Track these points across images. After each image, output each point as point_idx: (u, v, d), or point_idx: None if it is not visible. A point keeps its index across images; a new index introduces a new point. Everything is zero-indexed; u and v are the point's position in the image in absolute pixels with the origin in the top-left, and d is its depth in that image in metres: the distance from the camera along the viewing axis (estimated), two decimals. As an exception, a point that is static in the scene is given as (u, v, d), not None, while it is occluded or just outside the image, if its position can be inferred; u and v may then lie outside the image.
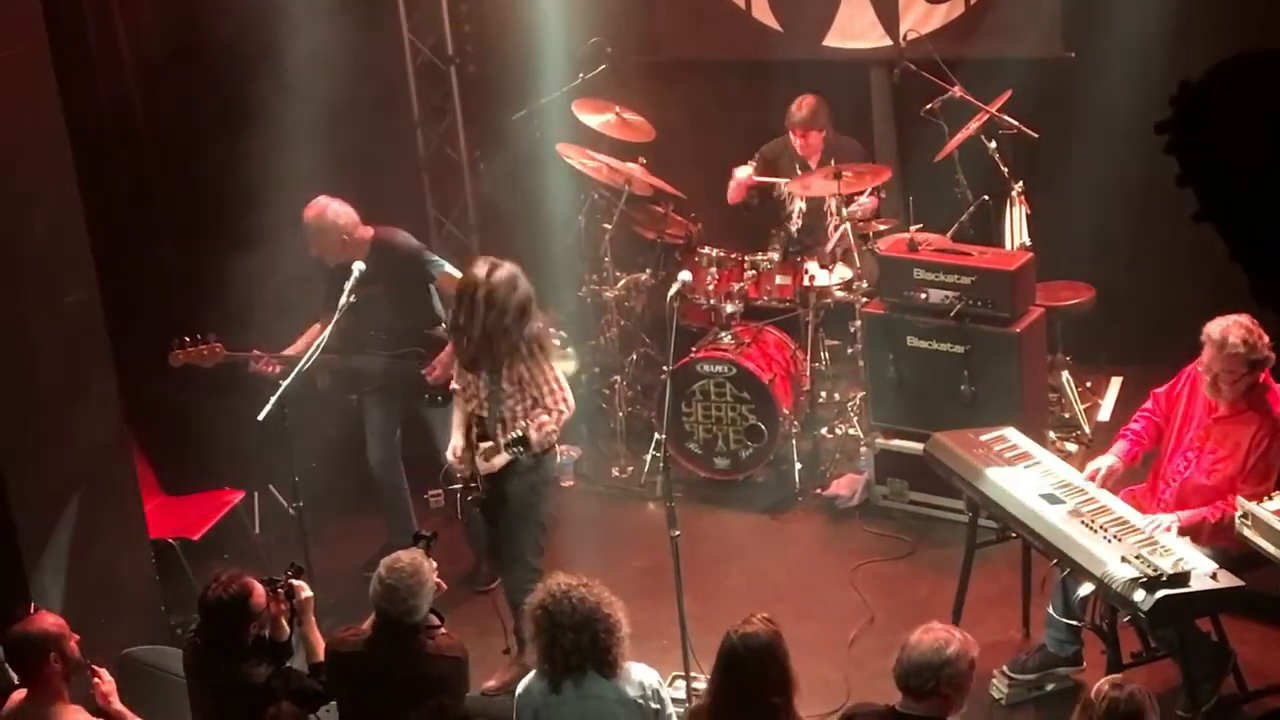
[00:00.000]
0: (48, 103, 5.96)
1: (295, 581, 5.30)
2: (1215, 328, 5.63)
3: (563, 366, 6.07)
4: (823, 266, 7.79)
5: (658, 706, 4.86)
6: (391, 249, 6.93)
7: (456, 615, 6.46)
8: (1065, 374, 7.94)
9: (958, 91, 7.72)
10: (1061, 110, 8.14)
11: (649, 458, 7.90)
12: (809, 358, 7.85)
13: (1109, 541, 5.37)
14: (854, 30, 8.46)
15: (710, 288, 7.81)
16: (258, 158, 7.13)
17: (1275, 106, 1.73)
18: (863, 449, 7.68)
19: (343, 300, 6.45)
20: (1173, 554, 5.24)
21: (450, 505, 6.41)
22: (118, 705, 5.31)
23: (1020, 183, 7.71)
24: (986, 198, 7.75)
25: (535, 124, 8.57)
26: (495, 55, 8.78)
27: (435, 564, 5.16)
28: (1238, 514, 5.41)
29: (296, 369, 6.30)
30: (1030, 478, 5.84)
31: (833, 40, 8.53)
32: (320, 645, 5.26)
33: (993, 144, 7.69)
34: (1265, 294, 1.76)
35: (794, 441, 7.78)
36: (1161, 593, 5.05)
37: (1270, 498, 5.46)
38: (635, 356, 8.33)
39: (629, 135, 8.20)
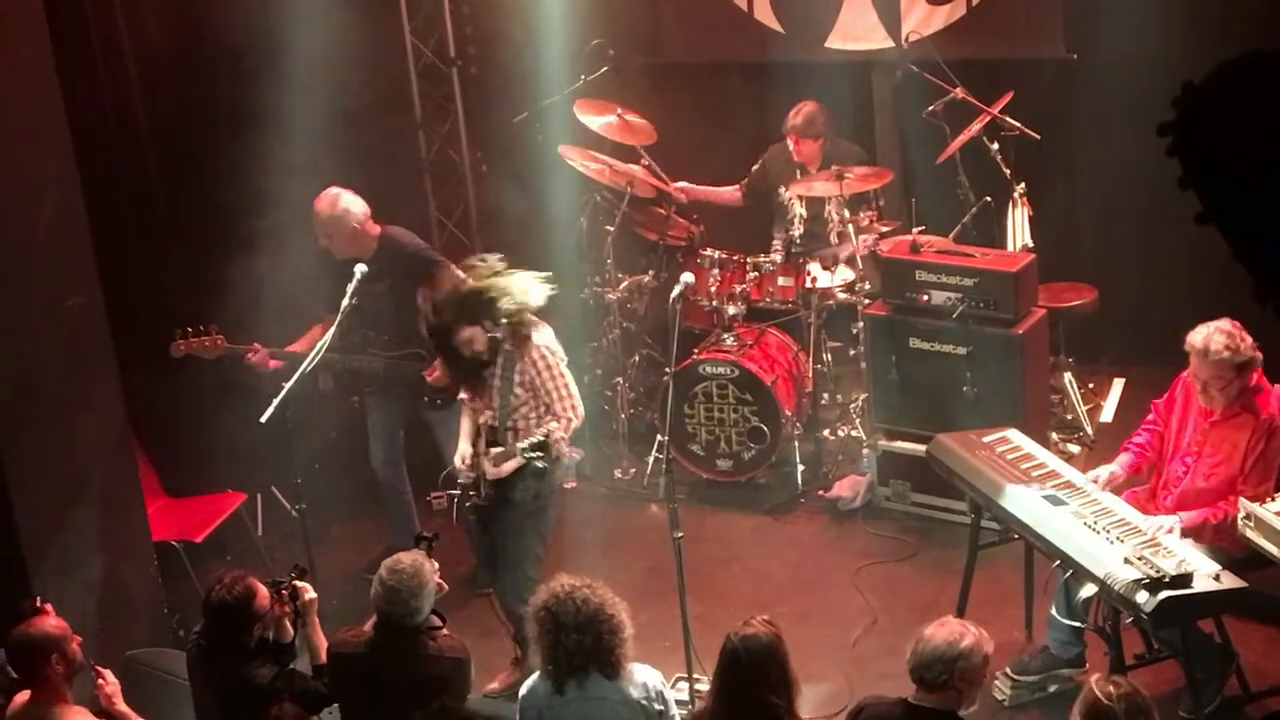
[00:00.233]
0: (51, 105, 5.97)
1: (299, 583, 5.30)
2: (1197, 336, 5.63)
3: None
4: (824, 268, 7.80)
5: (661, 708, 4.86)
6: (398, 247, 6.94)
7: (458, 617, 6.46)
8: (1068, 375, 7.94)
9: (960, 93, 7.72)
10: (1063, 112, 8.15)
11: (652, 459, 7.90)
12: (811, 359, 7.85)
13: (1111, 543, 5.37)
14: (856, 32, 8.47)
15: (712, 289, 7.82)
16: (260, 160, 7.14)
17: (1277, 108, 1.73)
18: (865, 451, 7.68)
19: (345, 302, 6.46)
20: (1175, 555, 5.24)
21: (453, 508, 6.43)
22: (122, 707, 5.32)
23: (1022, 184, 7.71)
24: (989, 199, 7.75)
25: (537, 126, 8.58)
26: (497, 57, 8.78)
27: (437, 565, 5.16)
28: (1240, 515, 5.41)
29: (299, 371, 6.30)
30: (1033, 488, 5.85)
31: (834, 42, 8.53)
32: (324, 647, 5.26)
33: (995, 145, 7.70)
34: (1267, 294, 1.76)
35: (796, 443, 7.78)
36: (1164, 594, 5.05)
37: (1272, 499, 5.46)
38: (638, 358, 8.33)
39: (631, 137, 8.20)
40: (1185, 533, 5.55)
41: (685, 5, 8.92)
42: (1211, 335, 5.58)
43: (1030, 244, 7.59)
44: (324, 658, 5.23)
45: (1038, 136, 7.71)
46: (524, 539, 6.15)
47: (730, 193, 8.35)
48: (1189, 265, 7.31)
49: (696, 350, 7.83)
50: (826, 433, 7.99)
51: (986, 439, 6.23)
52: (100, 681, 5.33)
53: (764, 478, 7.87)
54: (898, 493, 7.49)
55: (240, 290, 7.09)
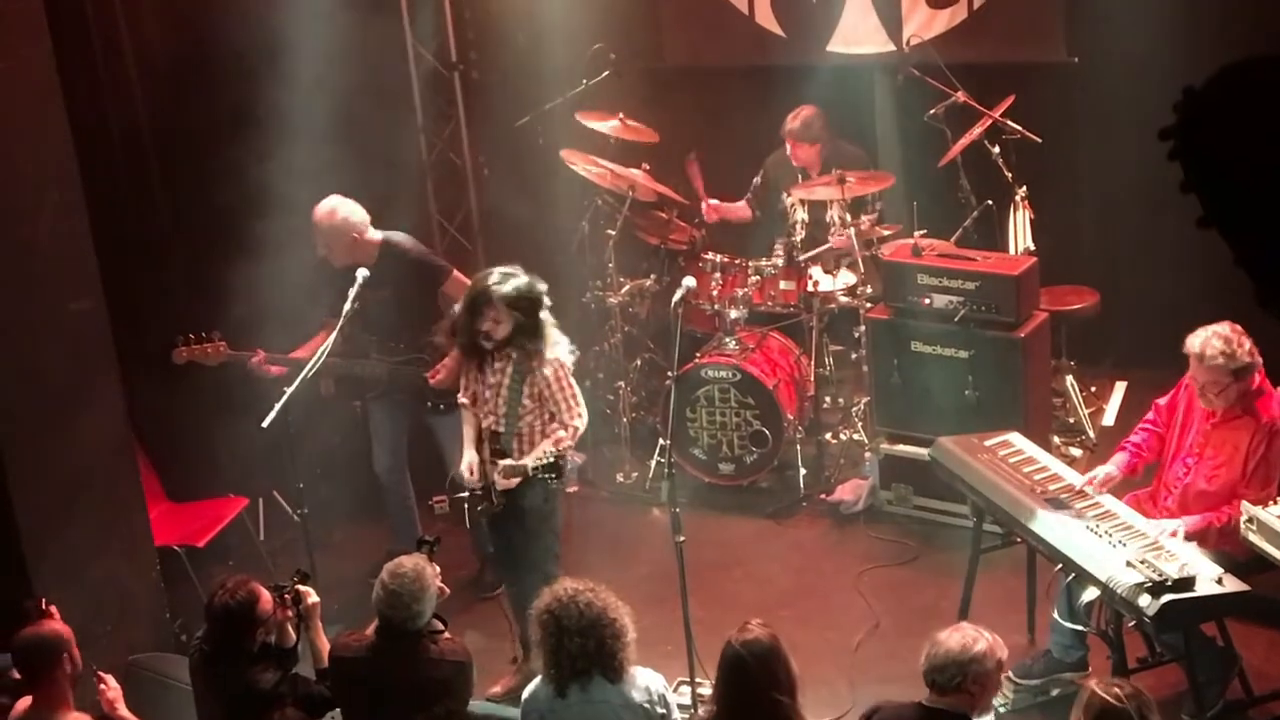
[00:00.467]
0: (52, 110, 5.97)
1: (301, 587, 5.30)
2: (1195, 341, 5.64)
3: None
4: (826, 272, 7.80)
5: (664, 711, 4.86)
6: (401, 253, 6.93)
7: (460, 621, 6.47)
8: (1069, 378, 7.94)
9: (961, 97, 7.72)
10: (1065, 115, 8.15)
11: (653, 463, 7.90)
12: (813, 363, 7.85)
13: (1114, 546, 5.38)
14: (857, 36, 8.47)
15: (714, 293, 7.82)
16: (262, 164, 7.14)
17: (1278, 112, 1.73)
18: (867, 454, 7.68)
19: (347, 306, 6.46)
20: (1178, 559, 5.24)
21: (456, 513, 6.42)
22: (123, 712, 5.32)
23: (1024, 187, 7.71)
24: (990, 203, 7.75)
25: (539, 130, 8.58)
26: (499, 61, 8.79)
27: (438, 569, 5.17)
28: (1243, 519, 5.41)
29: (301, 375, 6.30)
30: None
31: (836, 46, 8.54)
32: (326, 651, 5.26)
33: (996, 149, 7.70)
34: (1269, 299, 1.76)
35: (798, 447, 7.78)
36: (1167, 597, 5.05)
37: (1275, 502, 5.46)
38: (639, 362, 8.33)
39: (634, 138, 8.20)
40: (1189, 538, 5.55)
41: (686, 9, 8.92)
42: (1208, 340, 5.58)
43: (1032, 247, 7.59)
44: (326, 662, 5.23)
45: (1039, 140, 7.71)
46: (542, 540, 6.18)
47: (742, 208, 8.36)
48: (1190, 268, 7.27)
49: (698, 354, 7.83)
50: (828, 436, 7.98)
51: (988, 442, 6.23)
52: (102, 687, 5.33)
53: (766, 481, 7.87)
54: (900, 496, 7.49)
55: (242, 294, 7.08)
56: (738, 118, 8.82)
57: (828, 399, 8.18)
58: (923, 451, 6.75)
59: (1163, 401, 6.04)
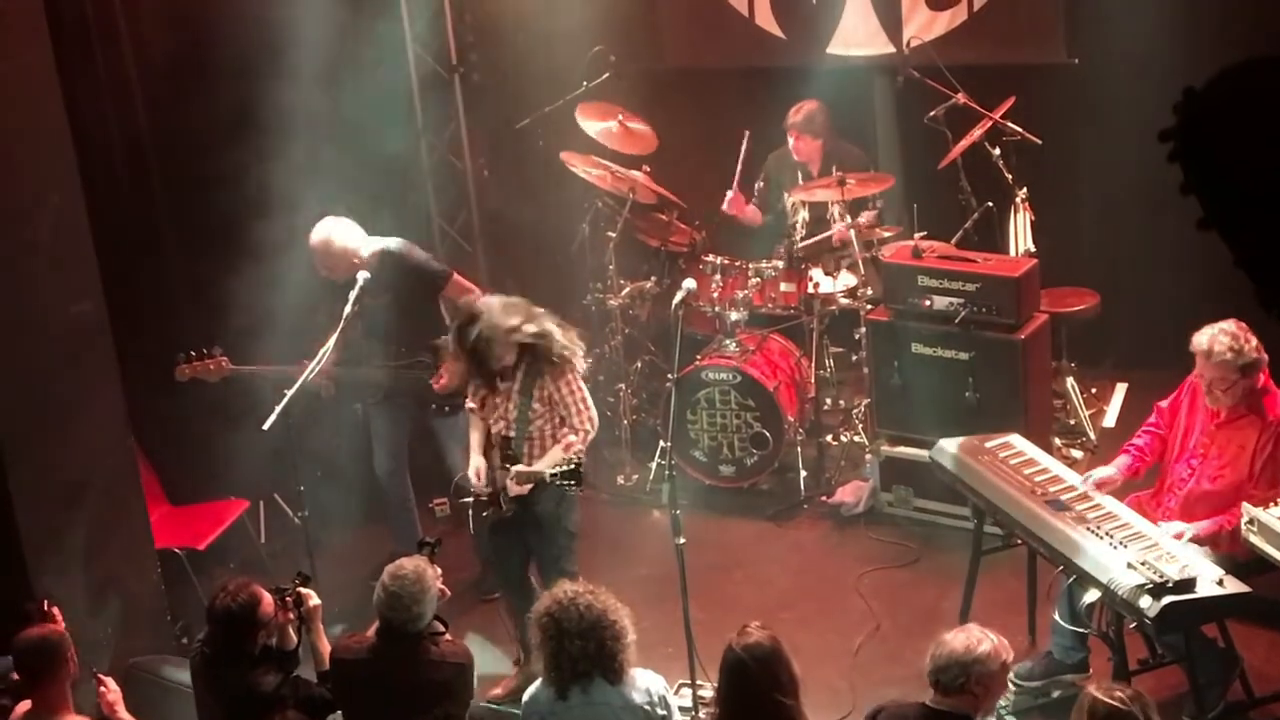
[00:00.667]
0: (52, 112, 5.97)
1: (303, 590, 5.31)
2: (1202, 337, 5.64)
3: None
4: (827, 273, 7.80)
5: (664, 713, 4.87)
6: (399, 260, 6.93)
7: (462, 623, 6.48)
8: (1070, 380, 7.94)
9: (961, 98, 7.72)
10: (1065, 117, 8.15)
11: (654, 465, 7.90)
12: (814, 365, 7.85)
13: (1115, 548, 5.37)
14: (857, 38, 8.47)
15: (715, 295, 7.81)
16: (262, 166, 7.14)
17: (1278, 113, 1.73)
18: (868, 456, 7.68)
19: (347, 309, 6.46)
20: (1178, 560, 5.23)
21: (458, 515, 6.42)
22: (123, 714, 5.32)
23: (1024, 189, 7.71)
24: (990, 204, 7.76)
25: (539, 132, 8.59)
26: (499, 63, 8.79)
27: (439, 571, 5.17)
28: (1243, 520, 5.41)
29: (301, 379, 6.31)
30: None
31: (836, 48, 8.54)
32: (328, 653, 5.26)
33: (996, 151, 7.70)
34: (1270, 301, 1.76)
35: (799, 449, 7.78)
36: (1168, 599, 5.05)
37: (1277, 503, 5.46)
38: (640, 364, 8.33)
39: (632, 143, 8.21)
40: (1200, 543, 5.54)
41: (686, 11, 8.92)
42: (1216, 336, 5.59)
43: (1032, 249, 7.59)
44: (327, 664, 5.23)
45: (1039, 141, 7.72)
46: (558, 540, 6.18)
47: (755, 213, 8.35)
48: (1191, 269, 7.29)
49: (699, 356, 7.83)
50: (829, 438, 7.98)
51: (989, 444, 6.23)
52: (102, 689, 5.33)
53: (766, 483, 7.87)
54: (900, 498, 7.49)
55: (243, 295, 7.08)
56: (738, 119, 8.80)
57: (828, 401, 8.18)
58: (923, 453, 6.75)
59: (1164, 404, 6.04)
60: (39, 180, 5.94)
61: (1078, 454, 7.64)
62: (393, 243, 6.99)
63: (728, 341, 7.80)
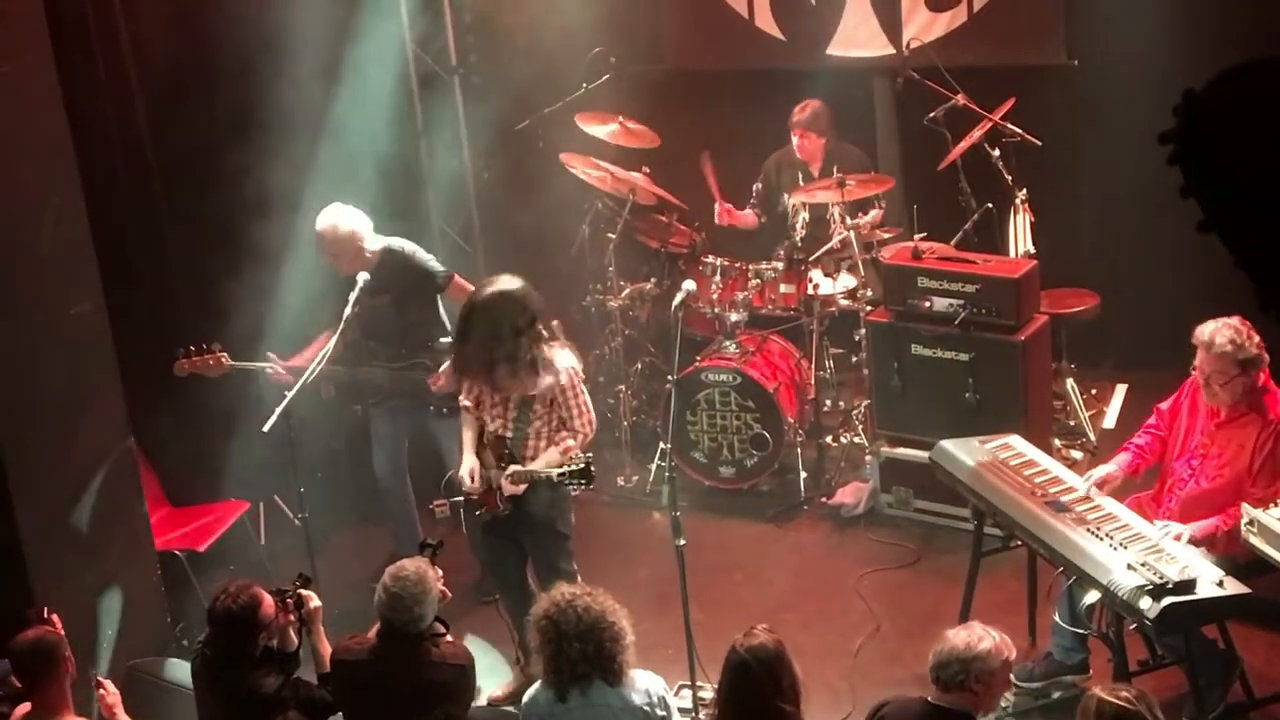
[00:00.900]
0: (53, 114, 5.97)
1: (304, 591, 5.31)
2: (1204, 330, 5.65)
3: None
4: (826, 275, 7.80)
5: (664, 714, 4.87)
6: (402, 259, 6.93)
7: (462, 625, 6.48)
8: (1070, 381, 7.94)
9: (961, 100, 7.72)
10: (1065, 118, 8.15)
11: (654, 467, 7.90)
12: (814, 366, 7.85)
13: (1115, 549, 5.37)
14: (857, 39, 8.47)
15: (715, 297, 7.82)
16: (262, 168, 7.14)
17: (1278, 115, 1.73)
18: (868, 457, 7.68)
19: (347, 311, 6.47)
20: (1179, 561, 5.24)
21: (457, 516, 6.42)
22: (123, 717, 5.31)
23: (1024, 190, 7.72)
24: (990, 206, 7.76)
25: (539, 134, 8.59)
26: (499, 65, 8.79)
27: (440, 573, 5.17)
28: (1243, 521, 5.41)
29: (301, 380, 6.31)
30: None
31: (836, 49, 8.54)
32: (328, 655, 5.26)
33: (996, 152, 7.70)
34: (1271, 302, 1.76)
35: (799, 450, 7.78)
36: (1168, 600, 5.05)
37: (1277, 504, 5.46)
38: (640, 366, 8.33)
39: (632, 145, 8.21)
40: (1198, 543, 5.55)
41: (686, 13, 8.93)
42: (1218, 329, 5.60)
43: (1032, 250, 7.60)
44: (328, 666, 5.23)
45: (1039, 143, 7.72)
46: (555, 540, 6.18)
47: (749, 217, 8.36)
48: (1191, 270, 7.29)
49: (699, 357, 7.83)
50: (829, 439, 7.98)
51: (989, 445, 6.23)
52: (101, 692, 5.33)
53: (766, 485, 7.87)
54: (900, 499, 7.49)
55: (243, 297, 7.09)
56: (738, 121, 8.83)
57: (828, 402, 8.18)
58: (923, 454, 6.75)
59: (1165, 405, 6.04)
60: (39, 181, 5.94)
61: (1078, 455, 7.64)
62: (396, 241, 6.98)
63: (728, 343, 7.80)
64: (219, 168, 7.37)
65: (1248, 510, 5.40)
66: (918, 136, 8.09)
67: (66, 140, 6.05)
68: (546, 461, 5.96)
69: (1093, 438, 7.80)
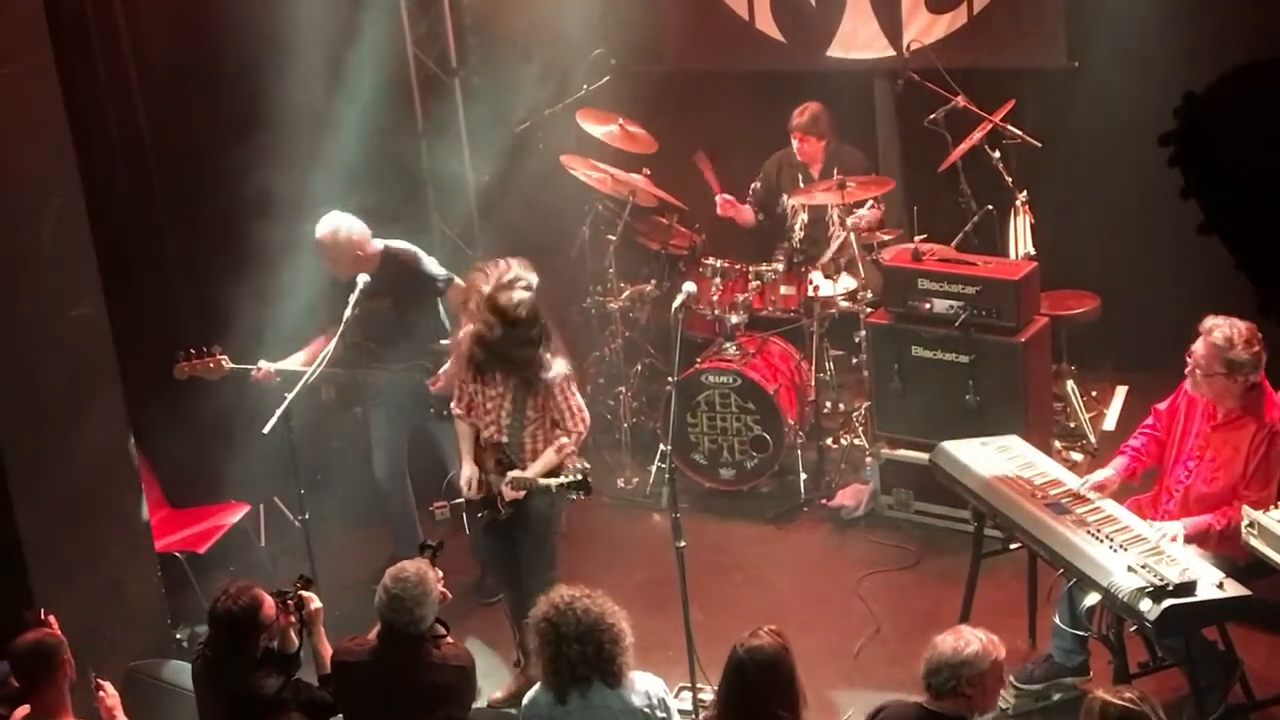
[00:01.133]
0: (53, 116, 5.97)
1: (304, 592, 5.31)
2: (1211, 319, 5.65)
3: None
4: (826, 276, 7.80)
5: (664, 716, 4.86)
6: (401, 262, 6.94)
7: (463, 626, 6.47)
8: (1070, 383, 7.94)
9: (961, 101, 7.73)
10: (1065, 120, 8.15)
11: (654, 469, 7.90)
12: (814, 368, 7.85)
13: (1115, 551, 5.37)
14: (857, 41, 8.47)
15: (715, 299, 7.82)
16: (263, 171, 7.14)
17: (1278, 117, 1.73)
18: (868, 459, 7.68)
19: (347, 313, 6.47)
20: (1179, 563, 5.23)
21: (457, 518, 6.43)
22: (122, 719, 5.31)
23: (1024, 192, 7.72)
24: (990, 207, 7.75)
25: (539, 136, 8.59)
26: (499, 67, 8.79)
27: (441, 574, 5.17)
28: (1244, 523, 5.40)
29: (301, 382, 6.31)
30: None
31: (836, 51, 8.54)
32: (329, 656, 5.26)
33: (996, 154, 7.71)
34: (1271, 305, 1.76)
35: (799, 452, 7.78)
36: (1168, 602, 5.05)
37: (1276, 505, 5.46)
38: (640, 368, 8.33)
39: (632, 146, 8.21)
40: (1189, 539, 5.55)
41: (686, 15, 8.92)
42: (1222, 324, 5.60)
43: (1032, 252, 7.60)
44: (329, 667, 5.23)
45: (1039, 145, 7.72)
46: (546, 545, 6.21)
47: (748, 212, 8.36)
48: (1191, 272, 7.28)
49: (699, 359, 7.83)
50: (829, 441, 7.98)
51: (989, 447, 6.23)
52: (101, 694, 5.32)
53: (766, 486, 7.87)
54: (900, 501, 7.49)
55: (243, 299, 7.09)
56: (738, 123, 8.83)
57: (828, 404, 8.18)
58: (923, 456, 6.75)
59: (1162, 406, 6.04)
60: (39, 182, 5.94)
61: (1078, 457, 7.64)
62: (396, 244, 7.01)
63: (728, 345, 7.80)
64: (219, 168, 7.37)
65: (1248, 512, 5.40)
66: (918, 138, 8.09)
67: (66, 140, 6.04)
68: (545, 463, 5.99)
69: (1093, 439, 7.80)
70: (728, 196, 8.19)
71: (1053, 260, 7.64)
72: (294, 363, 6.83)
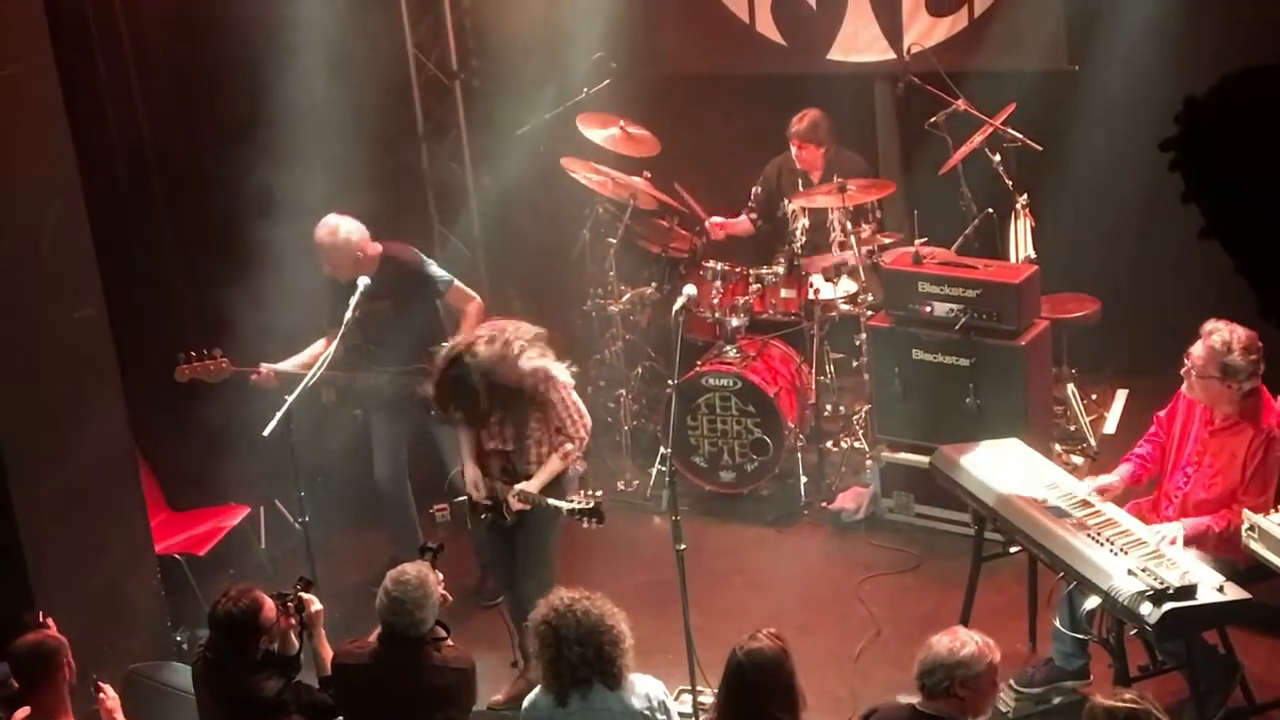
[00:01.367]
0: (54, 118, 5.97)
1: (304, 595, 5.31)
2: (1213, 323, 5.66)
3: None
4: (827, 280, 7.80)
5: (664, 718, 4.86)
6: (400, 265, 6.95)
7: (463, 628, 6.46)
8: (1071, 386, 7.94)
9: (962, 104, 7.73)
10: (1065, 123, 8.14)
11: (654, 471, 7.90)
12: (814, 371, 7.85)
13: (1115, 554, 5.37)
14: (858, 44, 8.47)
15: (715, 301, 7.81)
16: (263, 171, 7.15)
17: (1279, 121, 1.73)
18: (868, 462, 7.68)
19: (347, 315, 6.47)
20: (1179, 567, 5.23)
21: (458, 520, 6.43)
22: (121, 720, 5.31)
23: (1025, 195, 7.72)
24: (991, 211, 7.76)
25: (540, 138, 8.59)
26: (500, 70, 8.79)
27: (441, 577, 5.17)
28: (1244, 527, 5.40)
29: (301, 385, 6.30)
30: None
31: (836, 54, 8.54)
32: (329, 658, 5.26)
33: (997, 157, 7.71)
34: (1271, 309, 1.76)
35: (799, 455, 7.78)
36: (1168, 606, 5.04)
37: (1275, 509, 5.46)
38: (640, 370, 8.33)
39: (633, 149, 8.21)
40: (1188, 542, 5.55)
41: (687, 18, 8.92)
42: (1222, 328, 5.61)
43: (1033, 255, 7.59)
44: (329, 670, 5.23)
45: (1040, 148, 7.72)
46: (545, 548, 6.22)
47: (744, 223, 8.37)
48: (1192, 276, 7.30)
49: (699, 362, 7.83)
50: (829, 444, 7.98)
51: (990, 449, 6.22)
52: (100, 696, 5.32)
53: (767, 489, 7.87)
54: (901, 504, 7.49)
55: (244, 301, 7.09)
56: (738, 126, 8.82)
57: (829, 407, 8.17)
58: (924, 459, 6.75)
59: (1162, 413, 6.04)
60: (40, 184, 5.94)
61: (1078, 460, 7.64)
62: (396, 247, 7.01)
63: (728, 347, 7.80)
64: (219, 170, 7.37)
65: (1248, 516, 5.40)
66: (919, 141, 8.09)
67: (66, 141, 6.04)
68: (550, 471, 6.04)
69: (1093, 443, 7.80)
70: (716, 219, 8.21)
71: (1053, 263, 7.63)
72: (294, 365, 6.83)
